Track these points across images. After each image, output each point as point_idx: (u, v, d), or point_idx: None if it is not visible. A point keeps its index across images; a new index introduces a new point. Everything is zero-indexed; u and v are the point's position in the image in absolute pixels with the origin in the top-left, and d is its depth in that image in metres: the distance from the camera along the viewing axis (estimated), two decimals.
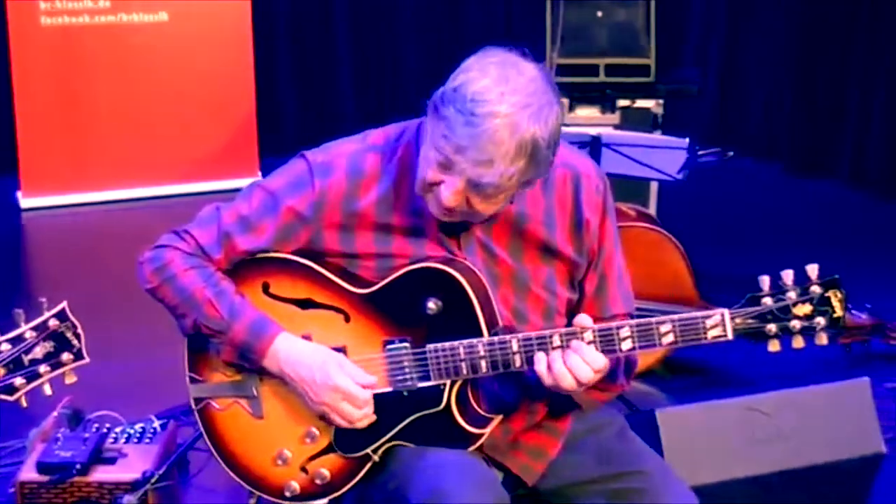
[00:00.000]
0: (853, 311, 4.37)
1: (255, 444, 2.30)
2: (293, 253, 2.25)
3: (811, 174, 7.67)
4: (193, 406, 2.33)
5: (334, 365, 2.18)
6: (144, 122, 6.63)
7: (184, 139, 6.74)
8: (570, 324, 2.25)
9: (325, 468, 2.26)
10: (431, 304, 2.17)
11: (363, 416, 2.19)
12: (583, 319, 2.16)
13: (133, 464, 2.97)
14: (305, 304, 2.25)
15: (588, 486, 2.29)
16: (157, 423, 3.20)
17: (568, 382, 2.12)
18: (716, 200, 7.07)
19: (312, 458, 2.27)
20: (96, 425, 3.14)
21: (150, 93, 6.62)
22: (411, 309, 2.19)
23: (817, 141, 7.76)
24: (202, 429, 2.34)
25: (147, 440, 3.09)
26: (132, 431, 3.13)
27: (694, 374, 3.95)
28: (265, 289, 2.26)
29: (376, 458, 2.24)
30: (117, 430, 3.13)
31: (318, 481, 2.26)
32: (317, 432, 2.26)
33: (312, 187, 2.21)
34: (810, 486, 3.12)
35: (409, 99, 7.73)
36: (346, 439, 2.24)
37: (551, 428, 2.32)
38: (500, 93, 1.99)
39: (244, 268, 2.27)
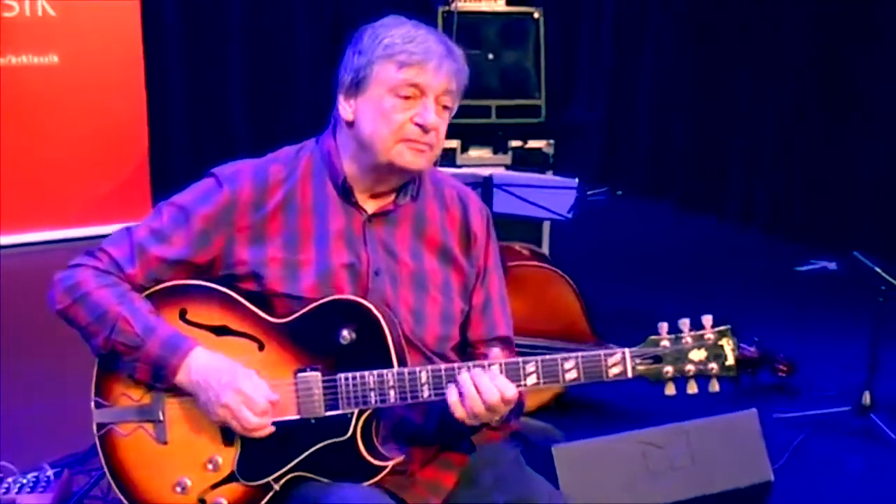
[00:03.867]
0: (742, 345, 4.48)
1: (156, 470, 2.27)
2: (212, 280, 2.28)
3: (700, 212, 7.85)
4: (95, 431, 2.29)
5: (242, 372, 2.20)
6: (36, 166, 6.56)
7: (77, 182, 6.69)
8: (462, 338, 2.39)
9: (223, 497, 2.25)
10: (345, 334, 2.21)
11: (260, 424, 2.19)
12: (494, 354, 2.23)
13: None
14: (220, 330, 2.26)
15: None
16: (50, 472, 3.13)
17: (478, 407, 2.15)
18: (607, 238, 7.20)
19: (213, 486, 2.25)
20: None
21: (41, 136, 6.55)
22: (325, 338, 2.22)
23: (706, 179, 7.95)
24: (101, 455, 2.29)
25: (41, 489, 3.03)
26: (25, 481, 3.06)
27: (588, 409, 4.01)
28: (182, 315, 2.27)
29: (277, 487, 2.23)
30: (9, 479, 3.07)
31: None
32: (220, 460, 2.25)
33: (222, 194, 2.28)
34: None
35: (301, 136, 7.76)
36: (248, 466, 2.23)
37: (447, 461, 2.36)
38: (415, 24, 2.28)
39: (162, 294, 2.28)
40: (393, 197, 2.33)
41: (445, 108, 2.27)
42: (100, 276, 2.25)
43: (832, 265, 6.63)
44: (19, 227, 6.51)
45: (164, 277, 2.28)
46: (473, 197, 2.47)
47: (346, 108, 2.28)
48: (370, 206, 2.32)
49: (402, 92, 2.22)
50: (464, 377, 2.16)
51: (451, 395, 2.17)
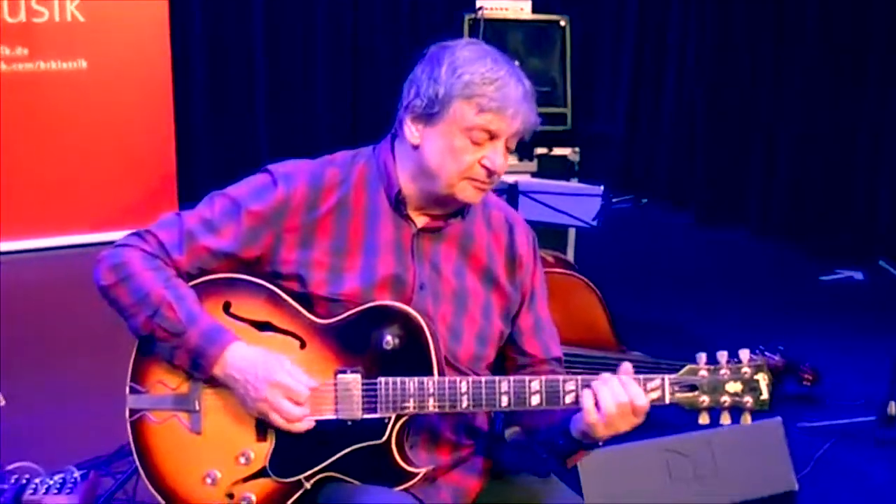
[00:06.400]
0: (766, 353, 4.47)
1: (187, 460, 2.27)
2: (258, 276, 2.28)
3: (720, 221, 7.85)
4: (127, 417, 2.29)
5: (276, 362, 2.20)
6: (64, 171, 6.61)
7: (104, 187, 6.73)
8: (513, 357, 2.40)
9: (252, 492, 2.25)
10: (389, 339, 2.21)
11: (302, 414, 2.19)
12: (624, 367, 2.17)
13: None
14: (264, 326, 2.27)
15: None
16: (77, 474, 3.15)
17: (613, 412, 2.10)
18: (632, 246, 7.19)
19: (243, 480, 2.25)
20: (15, 476, 3.10)
21: (69, 140, 6.61)
22: (368, 341, 2.23)
23: (728, 188, 7.94)
24: (131, 441, 2.29)
25: (67, 491, 3.04)
26: (52, 482, 3.08)
27: None
28: (226, 308, 2.27)
29: (308, 485, 2.23)
30: (36, 480, 3.08)
31: None
32: (252, 454, 2.25)
33: (275, 193, 2.28)
34: None
35: (322, 146, 7.81)
36: (280, 463, 2.24)
37: (472, 466, 2.36)
38: (494, 59, 2.24)
39: (208, 285, 2.28)
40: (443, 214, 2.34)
41: (509, 148, 2.27)
42: (146, 258, 2.25)
43: (858, 275, 6.60)
44: (50, 231, 6.57)
45: (209, 267, 2.28)
46: (520, 220, 2.46)
47: (412, 132, 2.25)
48: (420, 221, 2.32)
49: (475, 136, 2.21)
50: (597, 387, 2.12)
51: (587, 401, 2.12)
